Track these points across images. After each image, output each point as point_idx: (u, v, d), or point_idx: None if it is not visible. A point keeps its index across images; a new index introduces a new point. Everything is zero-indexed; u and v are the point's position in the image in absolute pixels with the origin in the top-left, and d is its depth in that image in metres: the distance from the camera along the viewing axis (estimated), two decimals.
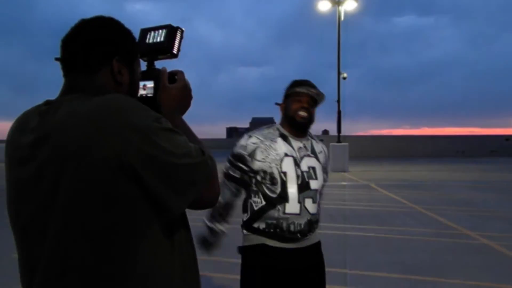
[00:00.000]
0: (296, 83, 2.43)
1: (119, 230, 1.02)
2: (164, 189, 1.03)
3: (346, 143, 22.41)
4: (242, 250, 2.44)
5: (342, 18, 23.53)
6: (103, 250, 1.01)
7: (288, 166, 2.34)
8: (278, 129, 2.44)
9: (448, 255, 5.83)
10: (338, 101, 23.42)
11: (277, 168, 2.32)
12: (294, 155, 2.37)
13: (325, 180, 2.54)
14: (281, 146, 2.36)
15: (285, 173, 2.31)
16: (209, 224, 2.43)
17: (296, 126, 2.41)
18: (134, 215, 1.03)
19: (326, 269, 2.50)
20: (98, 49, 1.15)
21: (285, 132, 2.42)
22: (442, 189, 13.12)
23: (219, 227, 2.43)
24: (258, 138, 2.39)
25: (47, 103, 1.12)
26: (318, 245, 2.48)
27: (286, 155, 2.34)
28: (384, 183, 14.42)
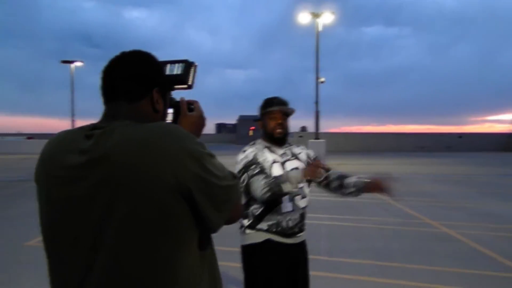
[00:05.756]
0: (268, 103, 2.45)
1: (167, 243, 1.01)
2: (209, 207, 1.04)
3: (323, 140, 22.47)
4: (247, 248, 2.37)
5: (320, 29, 23.52)
6: (151, 260, 1.00)
7: (277, 171, 2.36)
8: (261, 143, 2.49)
9: (414, 242, 5.83)
10: (317, 103, 23.43)
11: (269, 173, 2.34)
12: (280, 160, 2.41)
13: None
14: (268, 155, 2.41)
15: (275, 178, 2.29)
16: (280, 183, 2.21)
17: (275, 141, 2.46)
18: (183, 229, 1.03)
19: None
20: (141, 81, 1.13)
21: (268, 144, 2.48)
22: (406, 181, 13.20)
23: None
24: (252, 148, 2.45)
25: (96, 127, 1.07)
26: (305, 242, 2.53)
27: (274, 161, 2.39)
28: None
